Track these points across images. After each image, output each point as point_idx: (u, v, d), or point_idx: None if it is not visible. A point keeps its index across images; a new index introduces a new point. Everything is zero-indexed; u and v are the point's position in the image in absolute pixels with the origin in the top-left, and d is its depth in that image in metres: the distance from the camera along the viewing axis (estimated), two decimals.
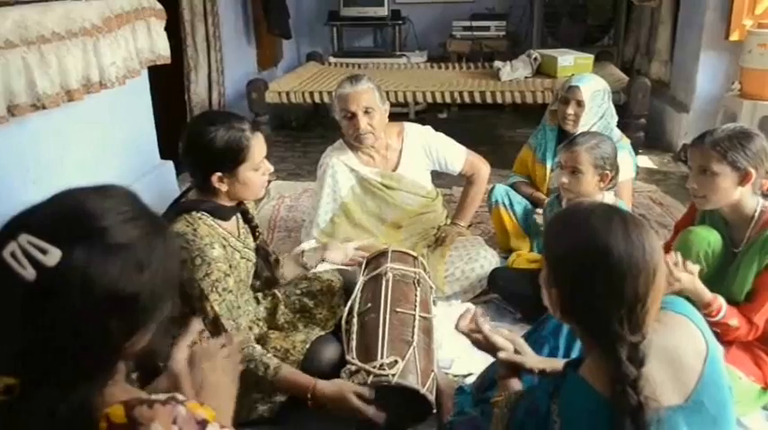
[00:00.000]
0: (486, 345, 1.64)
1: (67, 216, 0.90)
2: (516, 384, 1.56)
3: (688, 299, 1.65)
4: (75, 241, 0.86)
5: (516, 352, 1.61)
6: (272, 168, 2.05)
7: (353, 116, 2.76)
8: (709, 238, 2.08)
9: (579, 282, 1.20)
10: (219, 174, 1.93)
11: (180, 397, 0.96)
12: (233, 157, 1.93)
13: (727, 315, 1.97)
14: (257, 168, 1.98)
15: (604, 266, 1.16)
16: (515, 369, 1.59)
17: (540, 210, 3.05)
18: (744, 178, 1.98)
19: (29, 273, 0.83)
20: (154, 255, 0.93)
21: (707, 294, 1.96)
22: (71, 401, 0.86)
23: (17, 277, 0.83)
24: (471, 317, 1.69)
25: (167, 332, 1.02)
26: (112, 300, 0.88)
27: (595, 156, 2.40)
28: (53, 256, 0.84)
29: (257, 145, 1.97)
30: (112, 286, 0.87)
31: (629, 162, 2.97)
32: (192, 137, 1.95)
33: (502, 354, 1.59)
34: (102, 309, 0.87)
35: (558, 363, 1.61)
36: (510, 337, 1.65)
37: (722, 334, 1.97)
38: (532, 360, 1.60)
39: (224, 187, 1.96)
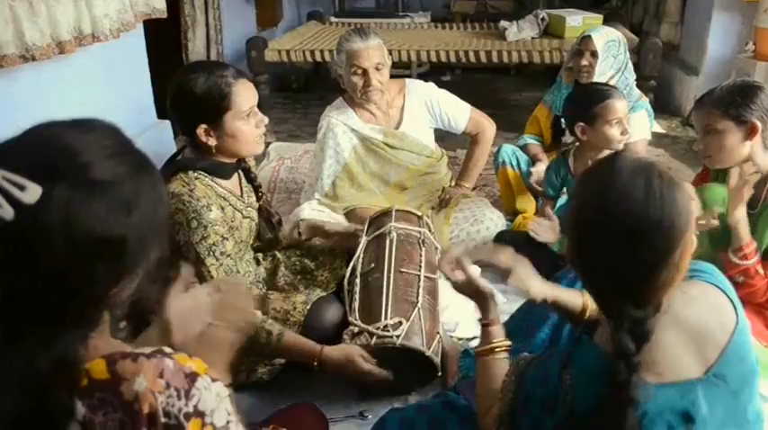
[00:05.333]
0: (469, 289, 1.57)
1: (46, 150, 0.82)
2: (498, 332, 1.50)
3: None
4: (56, 177, 0.79)
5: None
6: (266, 120, 1.95)
7: (365, 72, 2.67)
8: (723, 195, 2.02)
9: (588, 244, 1.13)
10: (205, 126, 1.84)
11: (167, 349, 0.89)
12: (215, 105, 1.83)
13: (757, 261, 1.93)
14: (245, 117, 1.87)
15: (610, 226, 1.08)
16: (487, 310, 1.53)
17: (534, 169, 2.98)
18: (750, 132, 1.94)
19: (6, 211, 0.76)
20: (141, 195, 0.86)
21: (749, 235, 1.92)
22: (53, 352, 0.80)
23: None
24: (455, 257, 1.61)
25: (155, 280, 0.94)
26: (98, 242, 0.81)
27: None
28: (33, 193, 0.77)
29: (242, 91, 1.86)
30: (98, 227, 0.81)
31: (646, 122, 2.92)
32: (174, 87, 1.86)
33: (512, 281, 1.52)
34: (87, 251, 0.80)
35: (563, 291, 1.54)
36: (512, 259, 1.57)
37: (742, 284, 1.92)
38: (537, 288, 1.53)
39: (212, 141, 1.86)
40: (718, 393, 1.11)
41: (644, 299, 1.09)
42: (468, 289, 1.58)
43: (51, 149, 0.82)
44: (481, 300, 1.56)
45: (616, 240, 1.08)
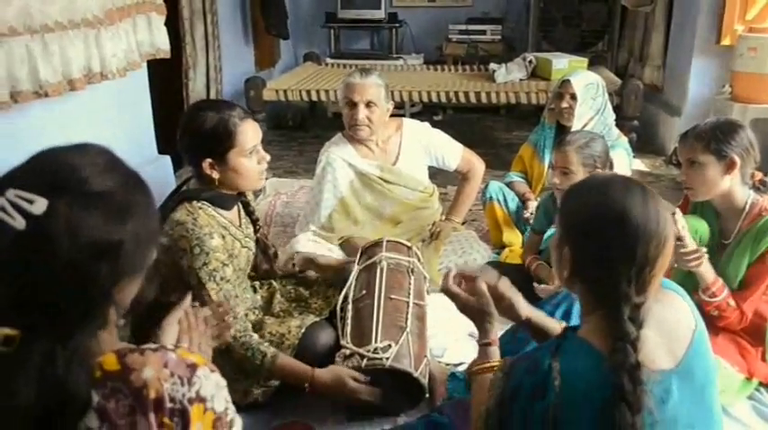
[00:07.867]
0: (477, 305, 1.57)
1: (48, 170, 0.95)
2: (496, 352, 1.54)
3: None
4: (58, 191, 0.91)
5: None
6: (268, 157, 2.05)
7: (354, 105, 2.80)
8: (697, 227, 2.13)
9: (594, 240, 1.25)
10: (210, 160, 1.94)
11: (169, 346, 1.01)
12: (220, 142, 1.93)
13: (727, 295, 2.06)
14: (248, 155, 1.98)
15: (621, 228, 1.21)
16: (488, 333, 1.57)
17: (526, 213, 3.10)
18: (729, 166, 2.05)
19: (18, 222, 0.88)
20: (134, 204, 0.98)
21: (712, 274, 2.05)
22: (68, 349, 0.90)
23: (7, 227, 0.88)
24: (457, 275, 1.63)
25: (153, 284, 1.06)
26: (98, 244, 0.92)
27: (585, 155, 2.46)
28: (40, 205, 0.89)
29: (247, 130, 1.96)
30: (97, 232, 0.92)
31: (625, 161, 3.05)
32: (184, 122, 1.98)
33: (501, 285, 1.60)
34: (89, 253, 0.91)
35: (546, 319, 1.64)
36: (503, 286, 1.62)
37: (717, 318, 2.06)
38: (525, 308, 1.62)
39: (215, 174, 1.96)
40: (689, 385, 1.23)
41: (644, 286, 1.22)
42: (474, 307, 1.59)
43: (52, 168, 0.95)
44: (482, 320, 1.58)
45: (621, 245, 1.22)
